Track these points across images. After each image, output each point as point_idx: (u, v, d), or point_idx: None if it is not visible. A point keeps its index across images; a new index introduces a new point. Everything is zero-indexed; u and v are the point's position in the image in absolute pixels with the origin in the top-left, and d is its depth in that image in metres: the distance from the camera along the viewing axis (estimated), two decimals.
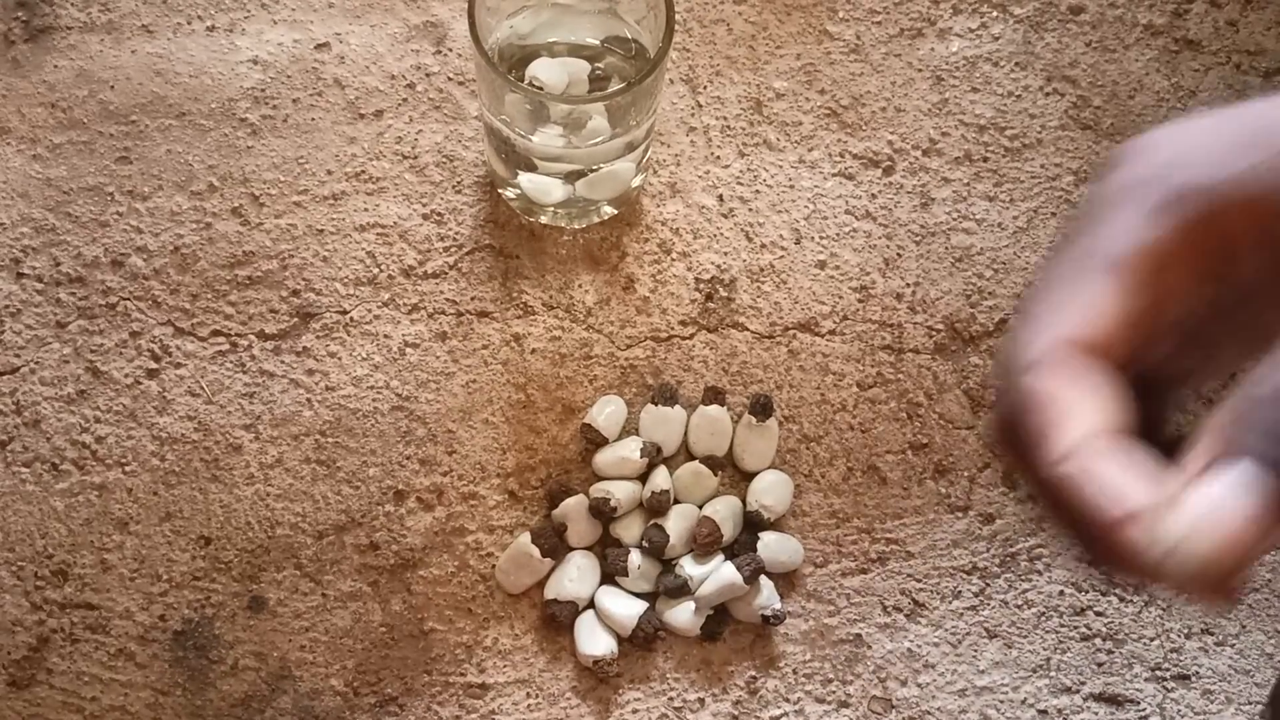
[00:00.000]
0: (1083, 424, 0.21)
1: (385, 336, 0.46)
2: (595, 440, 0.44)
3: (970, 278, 0.48)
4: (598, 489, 0.43)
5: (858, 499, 0.45)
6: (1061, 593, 0.44)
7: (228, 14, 0.50)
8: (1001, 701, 0.43)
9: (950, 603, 0.44)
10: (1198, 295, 0.22)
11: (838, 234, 0.48)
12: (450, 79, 0.50)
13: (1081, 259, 0.22)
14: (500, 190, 0.48)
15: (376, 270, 0.47)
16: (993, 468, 0.45)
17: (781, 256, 0.48)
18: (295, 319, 0.46)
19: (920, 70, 0.51)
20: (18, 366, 0.45)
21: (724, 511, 0.43)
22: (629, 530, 0.43)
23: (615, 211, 0.48)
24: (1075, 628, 0.44)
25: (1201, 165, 0.22)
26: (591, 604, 0.42)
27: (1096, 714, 0.43)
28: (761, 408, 0.44)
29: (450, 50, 0.50)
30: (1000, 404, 0.22)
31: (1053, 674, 0.43)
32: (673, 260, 0.47)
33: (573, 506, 0.43)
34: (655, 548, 0.42)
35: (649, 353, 0.46)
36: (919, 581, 0.44)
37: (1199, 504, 0.18)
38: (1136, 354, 0.22)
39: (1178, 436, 0.22)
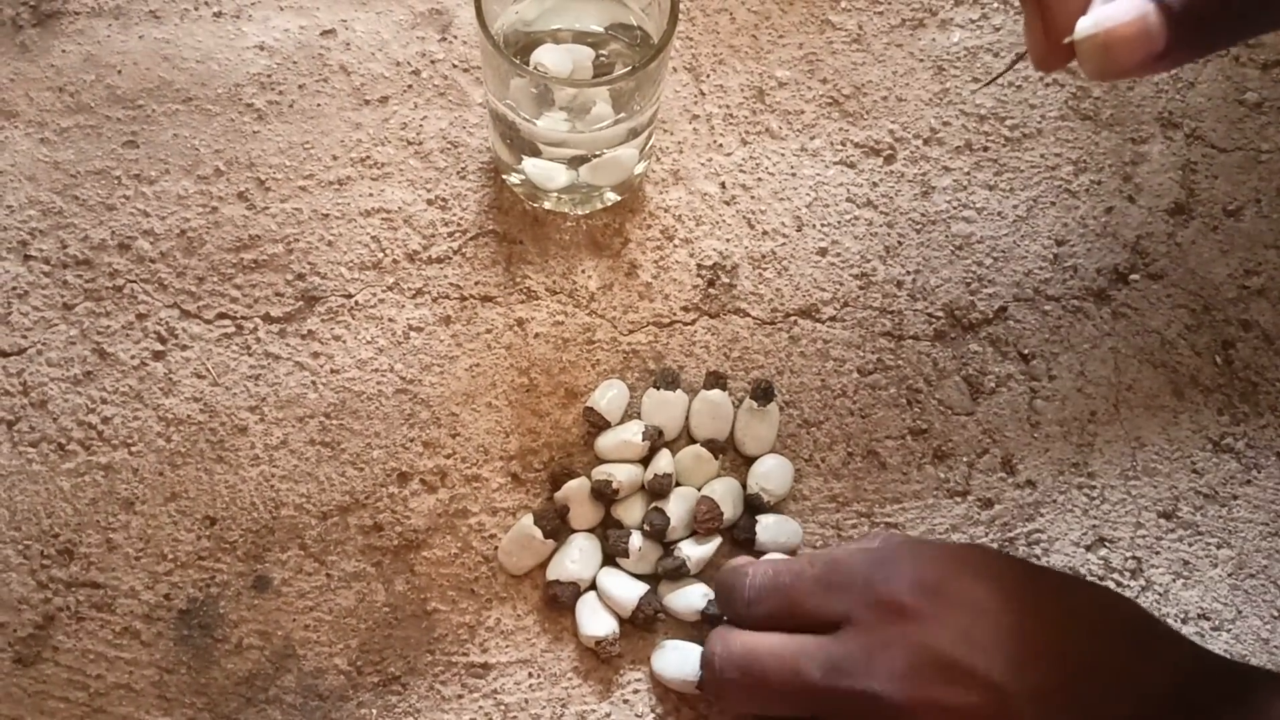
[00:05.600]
0: None
1: (389, 320, 0.46)
2: (597, 424, 0.44)
3: (970, 266, 0.48)
4: (600, 472, 0.43)
5: (857, 483, 0.45)
6: None
7: (234, 0, 0.51)
8: None
9: None
10: None
11: (839, 221, 0.49)
12: (455, 65, 0.50)
13: None
14: (504, 176, 0.48)
15: (381, 255, 0.47)
16: (991, 453, 0.46)
17: (783, 243, 0.48)
18: (300, 302, 0.46)
19: (922, 60, 0.52)
20: (25, 348, 0.45)
21: (722, 492, 0.43)
22: (630, 513, 0.43)
23: (618, 198, 0.48)
24: None
25: None
26: (593, 585, 0.43)
27: None
28: (763, 393, 0.44)
29: (455, 37, 0.51)
30: None
31: None
32: (675, 246, 0.48)
33: (575, 489, 0.43)
34: (656, 530, 0.42)
35: (651, 338, 0.46)
36: None
37: (1103, 8, 0.26)
38: None
39: None
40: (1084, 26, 0.26)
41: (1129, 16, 0.26)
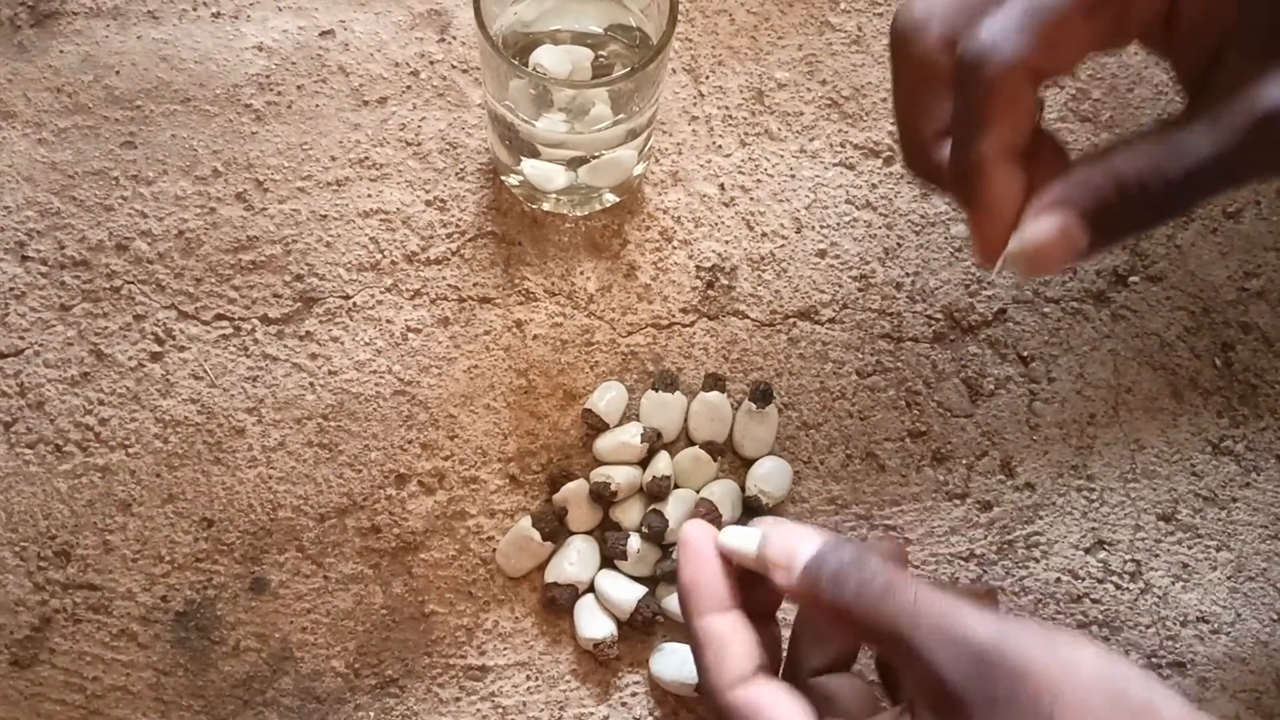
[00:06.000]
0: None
1: (388, 321, 0.46)
2: (596, 425, 0.44)
3: (969, 268, 0.48)
4: (598, 474, 0.43)
5: (856, 485, 0.45)
6: (1058, 580, 0.44)
7: (233, 0, 0.51)
8: None
9: None
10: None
11: (838, 223, 0.49)
12: (454, 66, 0.50)
13: None
14: (503, 177, 0.48)
15: (379, 256, 0.47)
16: (990, 456, 0.46)
17: (782, 245, 0.48)
18: (298, 303, 0.46)
19: None
20: (22, 349, 0.45)
21: (721, 494, 0.43)
22: (629, 515, 0.43)
23: (617, 199, 0.48)
24: (1072, 615, 0.44)
25: None
26: (591, 588, 0.43)
27: None
28: (761, 395, 0.44)
29: (454, 38, 0.51)
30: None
31: None
32: (674, 248, 0.48)
33: (573, 491, 0.43)
34: (655, 533, 0.42)
35: (650, 339, 0.46)
36: (916, 568, 0.44)
37: (1029, 227, 0.29)
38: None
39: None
40: (1014, 247, 0.29)
41: (1053, 231, 0.29)
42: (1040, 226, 0.29)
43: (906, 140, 0.33)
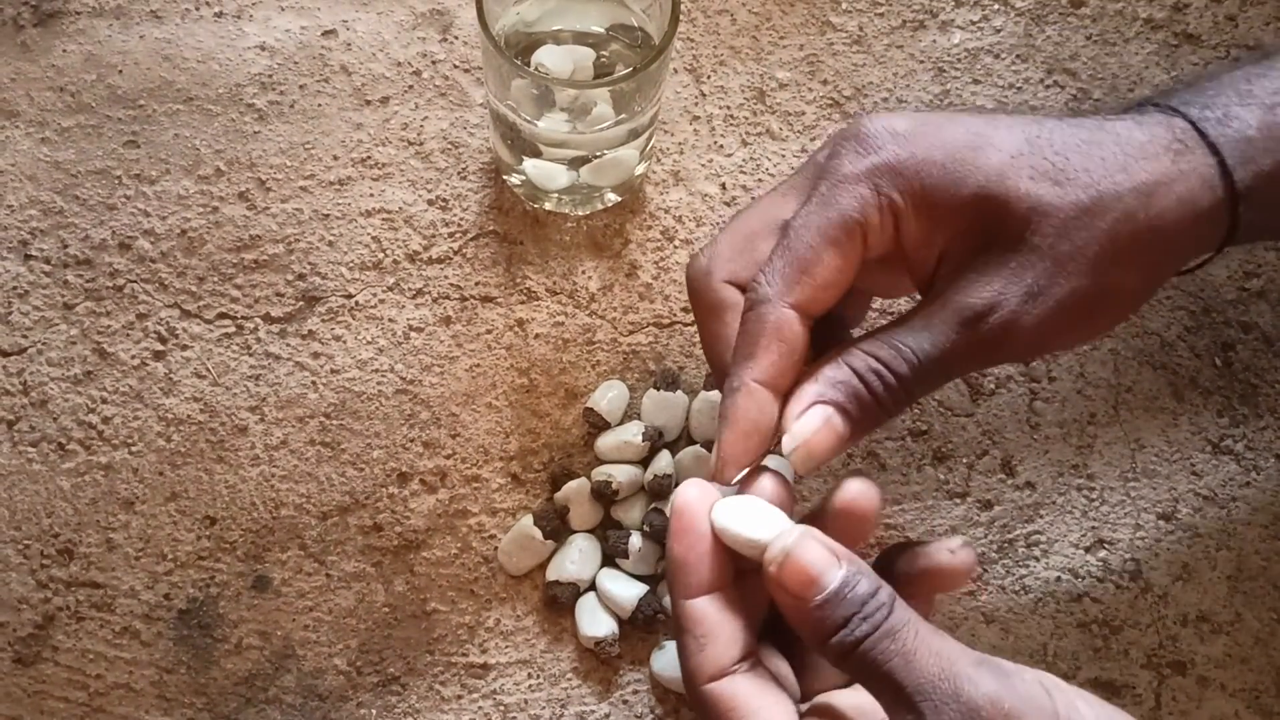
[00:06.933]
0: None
1: (390, 320, 0.46)
2: (597, 424, 0.44)
3: None
4: (599, 472, 0.43)
5: None
6: (1059, 579, 0.44)
7: (235, 0, 0.51)
8: None
9: None
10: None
11: None
12: (456, 66, 0.50)
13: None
14: (505, 177, 0.48)
15: (381, 255, 0.47)
16: (991, 455, 0.46)
17: None
18: (300, 302, 0.46)
19: (922, 62, 0.52)
20: (25, 347, 0.45)
21: None
22: (630, 513, 0.43)
23: (619, 199, 0.48)
24: (1072, 614, 0.44)
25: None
26: (593, 586, 0.43)
27: None
28: None
29: (456, 38, 0.51)
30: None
31: (1049, 660, 0.43)
32: (675, 247, 0.48)
33: (575, 489, 0.43)
34: (656, 531, 0.42)
35: (651, 338, 0.46)
36: None
37: (796, 425, 0.32)
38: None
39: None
40: (788, 446, 0.32)
41: (815, 425, 0.32)
42: (805, 424, 0.32)
43: (712, 365, 0.37)
